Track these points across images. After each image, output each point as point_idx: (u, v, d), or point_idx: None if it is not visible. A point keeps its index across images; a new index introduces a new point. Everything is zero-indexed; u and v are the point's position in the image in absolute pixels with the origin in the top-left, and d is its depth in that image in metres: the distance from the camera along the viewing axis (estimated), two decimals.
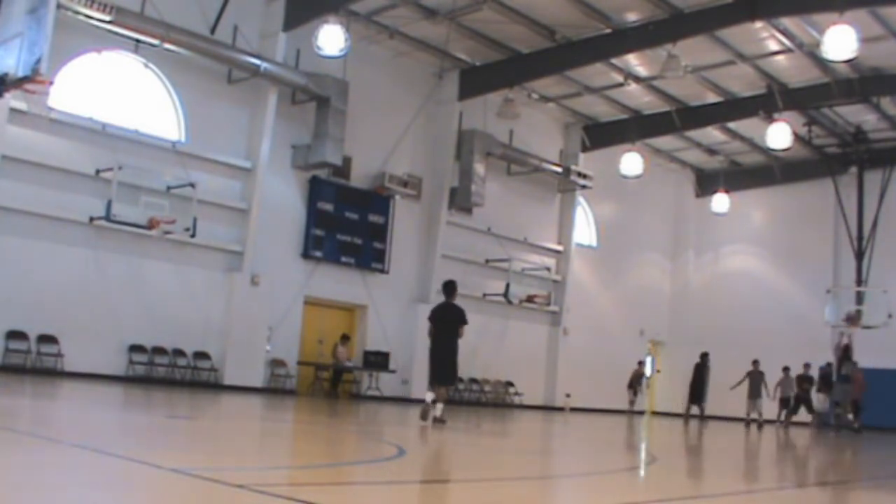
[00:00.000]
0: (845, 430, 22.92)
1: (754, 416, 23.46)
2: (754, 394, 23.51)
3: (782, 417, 23.97)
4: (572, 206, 27.76)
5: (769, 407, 23.88)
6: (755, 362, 23.89)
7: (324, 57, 19.13)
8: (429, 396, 11.62)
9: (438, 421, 11.42)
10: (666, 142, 29.10)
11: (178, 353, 18.68)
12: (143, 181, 17.69)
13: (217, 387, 18.71)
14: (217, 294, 19.29)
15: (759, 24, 20.47)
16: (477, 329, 21.44)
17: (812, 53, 21.43)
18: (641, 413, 28.02)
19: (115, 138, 17.80)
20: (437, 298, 22.91)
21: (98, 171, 17.35)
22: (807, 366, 24.21)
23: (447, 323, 11.89)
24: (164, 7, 17.71)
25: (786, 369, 24.04)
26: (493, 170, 24.87)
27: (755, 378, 23.65)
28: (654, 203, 31.35)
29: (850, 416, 23.15)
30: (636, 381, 26.45)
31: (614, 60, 22.99)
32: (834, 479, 9.08)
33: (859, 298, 27.05)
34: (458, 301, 12.50)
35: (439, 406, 11.60)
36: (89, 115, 17.57)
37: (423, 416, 11.39)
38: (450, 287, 12.23)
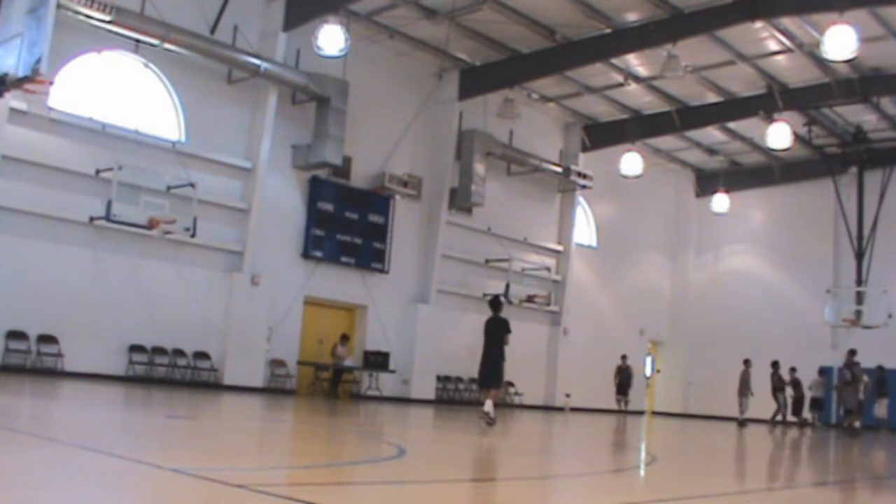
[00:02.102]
0: (846, 430, 22.93)
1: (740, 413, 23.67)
2: (746, 392, 23.76)
3: (807, 418, 24.31)
4: (572, 206, 27.75)
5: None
6: (746, 361, 24.00)
7: (324, 57, 19.14)
8: (487, 405, 12.23)
9: (489, 419, 11.95)
10: (666, 142, 29.09)
11: (178, 353, 18.68)
12: (143, 181, 17.66)
13: (217, 387, 18.71)
14: (217, 294, 19.28)
15: (759, 24, 20.46)
16: (478, 328, 21.37)
17: (812, 53, 21.43)
18: (641, 413, 28.01)
19: (115, 138, 17.79)
20: (438, 298, 23.26)
21: (98, 171, 17.34)
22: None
23: (494, 334, 13.11)
24: (164, 7, 17.71)
25: (822, 372, 24.85)
26: (493, 170, 24.86)
27: (745, 377, 23.92)
28: (654, 203, 31.34)
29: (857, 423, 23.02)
30: (623, 380, 26.03)
31: (614, 60, 22.99)
32: (834, 479, 9.08)
33: (859, 298, 27.06)
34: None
35: (489, 404, 12.26)
36: (89, 115, 17.56)
37: (487, 423, 11.94)
38: (496, 303, 13.41)
